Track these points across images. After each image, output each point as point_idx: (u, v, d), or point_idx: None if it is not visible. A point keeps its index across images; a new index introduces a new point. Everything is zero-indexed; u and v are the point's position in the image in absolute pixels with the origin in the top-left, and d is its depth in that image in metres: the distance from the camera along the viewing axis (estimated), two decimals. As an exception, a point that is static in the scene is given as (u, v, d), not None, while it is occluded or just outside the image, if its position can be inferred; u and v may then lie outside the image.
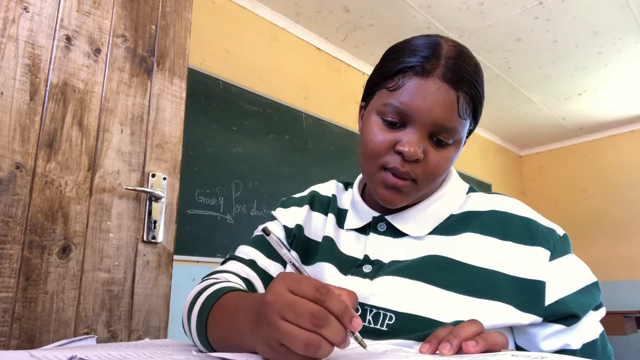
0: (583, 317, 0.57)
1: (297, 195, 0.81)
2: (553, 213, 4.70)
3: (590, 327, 0.57)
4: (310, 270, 0.70)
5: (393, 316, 0.57)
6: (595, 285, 0.59)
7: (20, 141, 1.05)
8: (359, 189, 0.74)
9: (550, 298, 0.56)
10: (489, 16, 2.77)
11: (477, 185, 4.42)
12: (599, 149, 4.62)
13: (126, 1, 1.29)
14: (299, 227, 0.75)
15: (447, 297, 0.57)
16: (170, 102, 1.34)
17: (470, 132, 0.67)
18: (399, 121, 0.60)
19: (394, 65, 0.61)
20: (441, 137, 0.60)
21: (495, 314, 0.56)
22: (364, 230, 0.70)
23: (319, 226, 0.75)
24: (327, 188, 0.80)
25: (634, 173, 4.36)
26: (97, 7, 1.23)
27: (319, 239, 0.73)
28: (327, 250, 0.70)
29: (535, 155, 5.08)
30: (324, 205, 0.77)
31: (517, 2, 2.63)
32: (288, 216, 0.77)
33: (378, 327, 0.58)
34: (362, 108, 0.69)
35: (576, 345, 0.57)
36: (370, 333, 0.58)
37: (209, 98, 2.33)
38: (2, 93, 1.04)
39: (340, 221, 0.74)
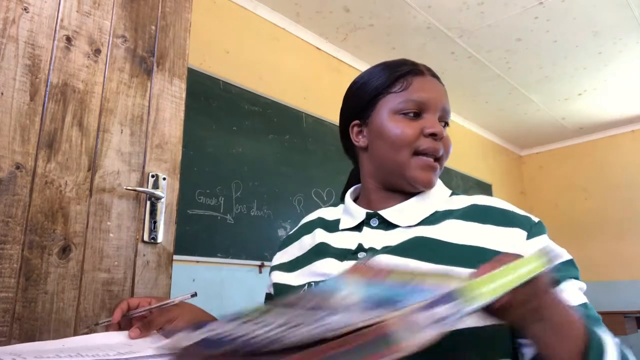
0: (562, 283, 0.61)
1: (280, 249, 0.87)
2: (553, 213, 4.70)
3: (571, 294, 0.61)
4: (307, 268, 0.74)
5: None
6: (571, 262, 0.64)
7: (20, 141, 1.06)
8: (353, 195, 0.82)
9: None
10: (489, 16, 2.77)
11: (477, 185, 4.42)
12: (599, 149, 4.62)
13: (126, 1, 1.29)
14: (275, 286, 0.80)
15: (436, 269, 0.62)
16: (170, 102, 1.34)
17: None
18: (418, 111, 0.71)
19: (390, 75, 0.74)
20: (445, 120, 0.73)
21: None
22: (357, 228, 0.74)
23: (307, 242, 0.80)
24: (312, 215, 0.87)
25: (634, 173, 4.36)
26: (97, 7, 1.23)
27: (309, 248, 0.79)
28: (321, 250, 0.75)
29: (535, 155, 5.08)
30: (308, 228, 0.83)
31: (517, 2, 2.63)
32: (271, 279, 0.83)
33: None
34: (359, 125, 0.78)
35: None
36: None
37: (209, 98, 2.34)
38: (2, 93, 1.04)
39: (330, 229, 0.79)
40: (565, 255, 0.64)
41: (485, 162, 4.53)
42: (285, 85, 2.76)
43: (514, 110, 4.11)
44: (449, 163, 3.76)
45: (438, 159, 0.71)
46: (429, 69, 0.75)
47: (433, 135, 0.70)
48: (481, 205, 0.69)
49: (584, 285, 0.63)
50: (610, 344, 0.52)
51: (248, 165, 2.43)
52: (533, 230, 0.65)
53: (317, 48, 3.05)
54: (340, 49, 3.15)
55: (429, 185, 0.71)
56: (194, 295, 0.65)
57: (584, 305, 0.61)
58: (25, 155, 1.06)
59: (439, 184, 0.77)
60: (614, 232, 4.35)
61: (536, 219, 0.67)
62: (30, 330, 1.01)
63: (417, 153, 0.70)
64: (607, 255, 4.31)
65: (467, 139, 4.35)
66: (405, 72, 0.73)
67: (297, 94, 2.80)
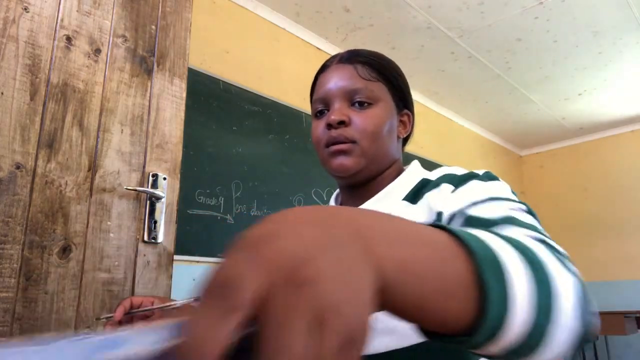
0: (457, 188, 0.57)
1: None
2: (553, 213, 4.69)
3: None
4: None
5: None
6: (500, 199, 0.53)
7: (21, 141, 1.05)
8: (336, 200, 0.82)
9: (447, 219, 0.56)
10: (489, 16, 2.77)
11: (477, 185, 4.41)
12: (599, 149, 4.62)
13: (126, 1, 1.29)
14: None
15: None
16: (170, 102, 1.34)
17: (402, 98, 0.75)
18: (325, 107, 0.73)
19: (312, 82, 0.78)
20: (358, 99, 0.70)
21: None
22: None
23: None
24: None
25: (634, 173, 4.36)
26: (97, 7, 1.23)
27: None
28: None
29: (535, 155, 5.08)
30: None
31: (517, 2, 2.63)
32: None
33: None
34: None
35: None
36: None
37: (209, 98, 2.33)
38: (2, 93, 1.04)
39: None
40: (495, 192, 0.54)
41: (485, 162, 4.53)
42: (285, 85, 2.76)
43: (514, 110, 4.11)
44: (449, 163, 3.75)
45: (350, 142, 0.68)
46: (342, 56, 0.75)
47: (328, 126, 0.69)
48: (426, 179, 0.68)
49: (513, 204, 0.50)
50: (496, 241, 0.32)
51: (248, 165, 2.43)
52: (462, 179, 0.60)
53: (317, 48, 3.05)
54: (340, 49, 3.15)
55: (345, 170, 0.69)
56: (198, 299, 0.65)
57: (506, 219, 0.46)
58: (25, 155, 1.06)
59: (412, 167, 0.75)
60: (614, 232, 4.34)
61: (480, 172, 0.61)
62: (30, 330, 1.01)
63: (326, 145, 0.71)
64: (607, 255, 4.31)
65: (467, 139, 4.35)
66: (315, 76, 0.77)
67: (297, 94, 2.80)
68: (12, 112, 1.05)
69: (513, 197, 0.54)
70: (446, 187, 0.60)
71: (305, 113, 2.80)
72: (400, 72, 0.77)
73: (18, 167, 1.04)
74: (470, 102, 3.95)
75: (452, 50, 3.15)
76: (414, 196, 0.66)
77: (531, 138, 4.80)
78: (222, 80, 2.41)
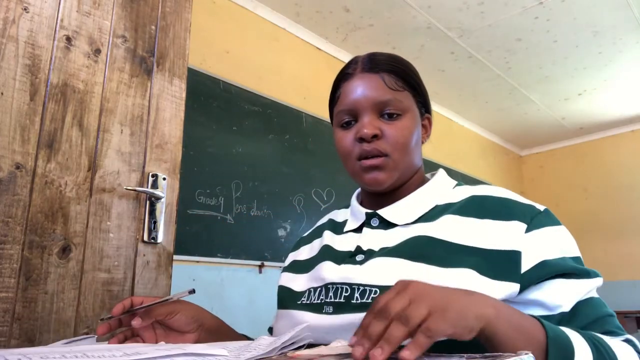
0: (547, 282, 0.57)
1: (296, 250, 0.88)
2: (553, 213, 4.70)
3: (555, 294, 0.57)
4: (312, 272, 0.74)
5: (378, 290, 0.61)
6: (578, 259, 0.60)
7: (21, 141, 1.06)
8: (357, 198, 0.81)
9: (526, 265, 0.58)
10: (489, 16, 2.77)
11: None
12: (599, 149, 4.62)
13: (126, 1, 1.29)
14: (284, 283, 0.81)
15: (422, 269, 0.61)
16: (170, 102, 1.34)
17: (424, 103, 0.76)
18: (352, 118, 0.71)
19: (332, 90, 0.76)
20: (388, 111, 0.69)
21: (465, 280, 0.57)
22: (360, 229, 0.75)
23: (317, 245, 0.81)
24: (324, 218, 0.88)
25: (634, 173, 4.36)
26: (97, 7, 1.23)
27: (317, 251, 0.79)
28: (325, 253, 0.75)
29: (535, 155, 5.08)
30: (319, 232, 0.84)
31: (517, 2, 2.63)
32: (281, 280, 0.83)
33: (364, 301, 0.62)
34: None
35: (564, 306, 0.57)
36: (358, 307, 0.62)
37: (209, 98, 2.34)
38: (2, 93, 1.04)
39: (337, 231, 0.79)
40: (570, 250, 0.61)
41: (485, 162, 4.53)
42: (285, 85, 2.76)
43: (514, 110, 4.11)
44: (449, 163, 3.75)
45: (383, 156, 0.69)
46: (365, 63, 0.72)
47: (360, 139, 0.69)
48: (479, 196, 0.67)
49: (586, 284, 0.58)
50: (577, 337, 0.49)
51: (248, 165, 2.43)
52: (534, 221, 0.61)
53: (317, 48, 3.05)
54: (340, 49, 3.15)
55: (379, 184, 0.70)
56: (192, 292, 0.65)
57: (588, 301, 0.57)
58: (25, 155, 1.06)
59: (441, 175, 0.76)
60: (614, 232, 4.34)
61: (541, 208, 0.64)
62: (30, 330, 1.01)
63: (358, 159, 0.70)
64: (607, 255, 4.31)
65: (467, 139, 4.35)
66: (337, 82, 0.75)
67: (297, 94, 2.80)
68: (12, 112, 1.05)
69: (575, 247, 0.62)
70: (517, 225, 0.61)
71: (305, 113, 2.81)
72: (419, 75, 0.76)
73: (18, 167, 1.04)
74: (470, 102, 3.95)
75: (452, 50, 3.15)
76: (466, 211, 0.66)
77: (531, 138, 4.80)
78: (222, 80, 2.41)
